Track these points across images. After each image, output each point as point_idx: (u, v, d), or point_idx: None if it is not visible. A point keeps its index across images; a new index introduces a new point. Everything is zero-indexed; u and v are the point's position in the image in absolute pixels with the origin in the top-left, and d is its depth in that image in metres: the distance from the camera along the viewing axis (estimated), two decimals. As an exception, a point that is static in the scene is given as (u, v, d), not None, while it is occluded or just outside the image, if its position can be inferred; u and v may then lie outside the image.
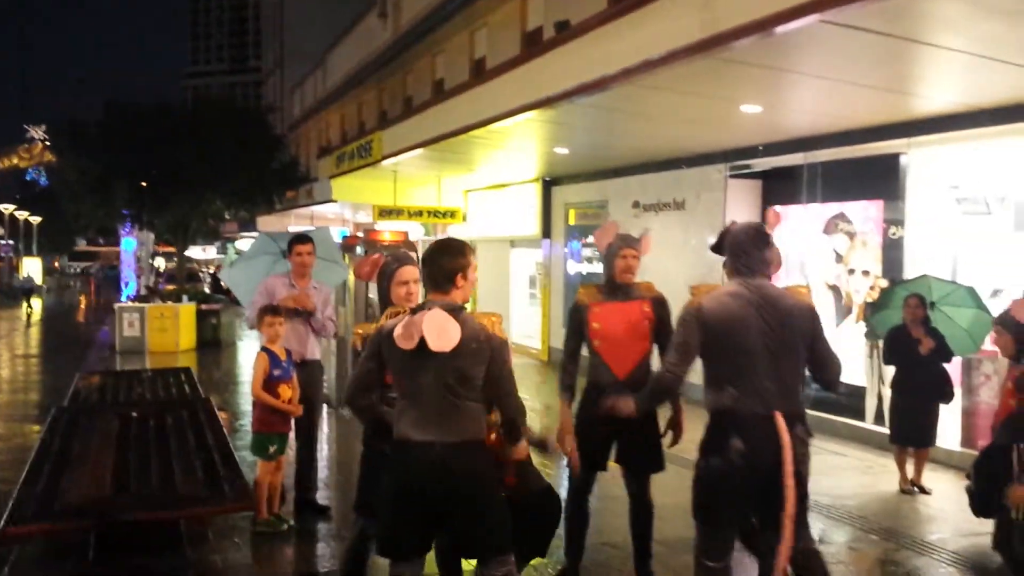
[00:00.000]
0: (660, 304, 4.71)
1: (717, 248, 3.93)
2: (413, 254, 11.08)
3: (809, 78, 7.23)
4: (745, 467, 3.52)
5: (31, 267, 45.96)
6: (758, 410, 3.55)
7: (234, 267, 7.94)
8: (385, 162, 15.10)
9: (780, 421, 3.52)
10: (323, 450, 8.16)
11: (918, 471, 7.26)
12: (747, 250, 3.79)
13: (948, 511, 6.62)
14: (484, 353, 3.34)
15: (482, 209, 17.77)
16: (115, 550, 5.33)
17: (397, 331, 3.31)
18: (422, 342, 3.23)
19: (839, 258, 9.52)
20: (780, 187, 10.65)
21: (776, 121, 9.00)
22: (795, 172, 10.04)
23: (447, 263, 3.42)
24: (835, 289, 9.56)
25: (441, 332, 3.25)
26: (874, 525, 6.04)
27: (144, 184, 19.28)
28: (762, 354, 3.58)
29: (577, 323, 4.71)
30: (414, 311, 3.44)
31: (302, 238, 6.25)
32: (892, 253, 8.99)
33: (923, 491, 7.17)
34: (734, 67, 6.85)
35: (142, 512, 4.86)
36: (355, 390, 3.60)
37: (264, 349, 5.73)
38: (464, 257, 3.45)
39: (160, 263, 35.56)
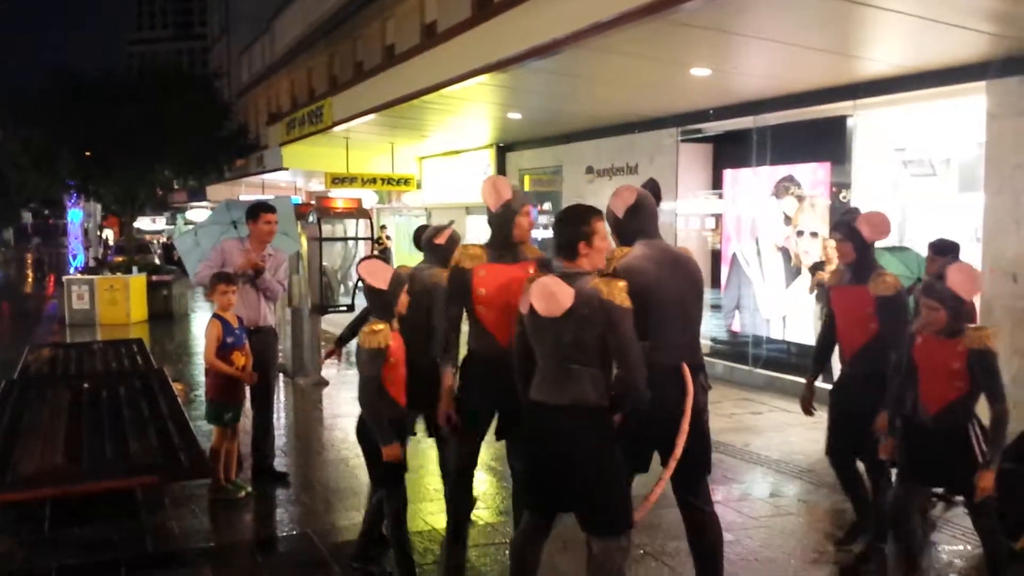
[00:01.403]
0: (545, 266, 4.32)
1: (632, 212, 3.84)
2: (364, 222, 10.98)
3: (757, 41, 7.30)
4: (651, 415, 3.63)
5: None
6: (669, 362, 3.67)
7: (185, 235, 7.87)
8: (336, 128, 14.94)
9: (686, 371, 3.69)
10: (280, 418, 8.16)
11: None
12: (654, 213, 3.94)
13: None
14: (597, 319, 3.34)
15: (436, 176, 17.71)
16: (71, 519, 5.32)
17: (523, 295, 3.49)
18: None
19: (788, 220, 9.68)
20: (731, 150, 10.77)
21: (726, 85, 9.08)
22: (745, 136, 10.15)
23: (567, 231, 3.51)
24: (784, 251, 9.72)
25: (549, 297, 3.32)
26: (824, 479, 6.22)
27: (88, 154, 18.83)
28: (673, 310, 3.70)
29: (460, 288, 4.26)
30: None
31: (268, 206, 6.21)
32: (844, 211, 9.16)
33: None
34: (683, 30, 6.89)
35: (96, 481, 4.85)
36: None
37: (216, 316, 5.71)
38: (586, 224, 3.49)
39: (109, 235, 34.90)
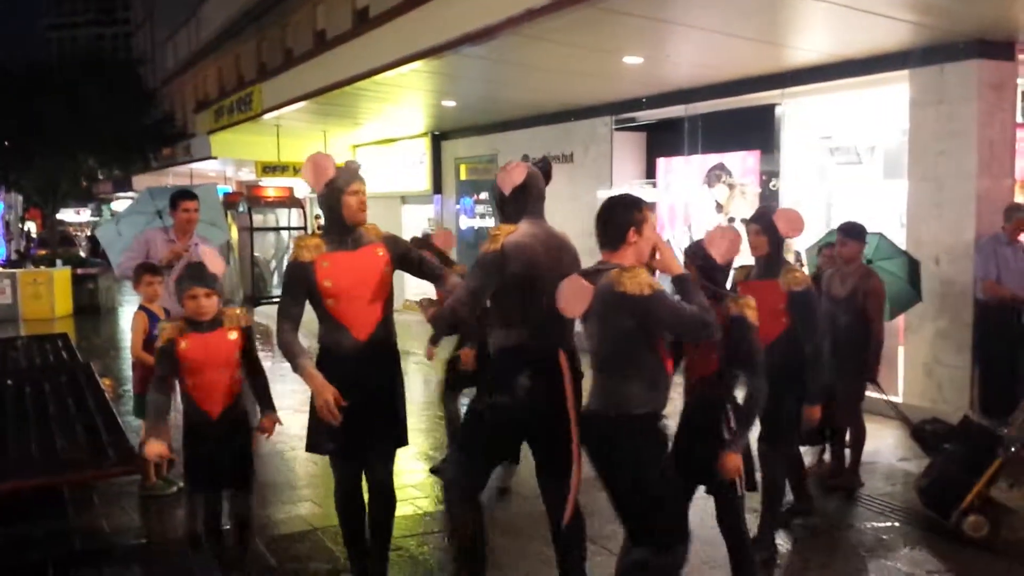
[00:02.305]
0: (393, 242, 4.11)
1: (519, 191, 3.73)
2: (297, 211, 10.85)
3: (687, 29, 7.38)
4: (527, 404, 3.56)
5: None
6: (544, 347, 3.59)
7: (106, 225, 7.65)
8: (266, 116, 14.66)
9: (563, 357, 3.57)
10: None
11: None
12: (542, 194, 3.82)
13: (882, 456, 6.78)
14: (625, 320, 3.21)
15: (371, 165, 17.47)
16: (-6, 521, 5.15)
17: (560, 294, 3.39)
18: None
19: (719, 208, 9.83)
20: (664, 139, 10.89)
21: (658, 73, 9.16)
22: (677, 124, 10.28)
23: (618, 217, 3.38)
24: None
25: (569, 298, 3.27)
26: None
27: (6, 142, 18.17)
28: (551, 292, 3.43)
29: (301, 284, 3.86)
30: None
31: (187, 194, 6.10)
32: (769, 203, 9.35)
33: None
34: (615, 17, 6.92)
35: (21, 478, 4.68)
36: None
37: (143, 308, 5.57)
38: (639, 211, 3.35)
39: (31, 227, 33.76)
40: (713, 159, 9.86)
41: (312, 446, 4.04)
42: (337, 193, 3.88)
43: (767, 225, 4.62)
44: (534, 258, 3.60)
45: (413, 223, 17.40)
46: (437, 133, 15.36)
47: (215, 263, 4.06)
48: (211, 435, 4.05)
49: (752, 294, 4.42)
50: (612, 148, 11.24)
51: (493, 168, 13.91)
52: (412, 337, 13.03)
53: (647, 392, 3.27)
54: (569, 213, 11.55)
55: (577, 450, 3.45)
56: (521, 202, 3.76)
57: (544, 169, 3.90)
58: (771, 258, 4.65)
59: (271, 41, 22.39)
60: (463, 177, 15.18)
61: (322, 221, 3.95)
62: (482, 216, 14.66)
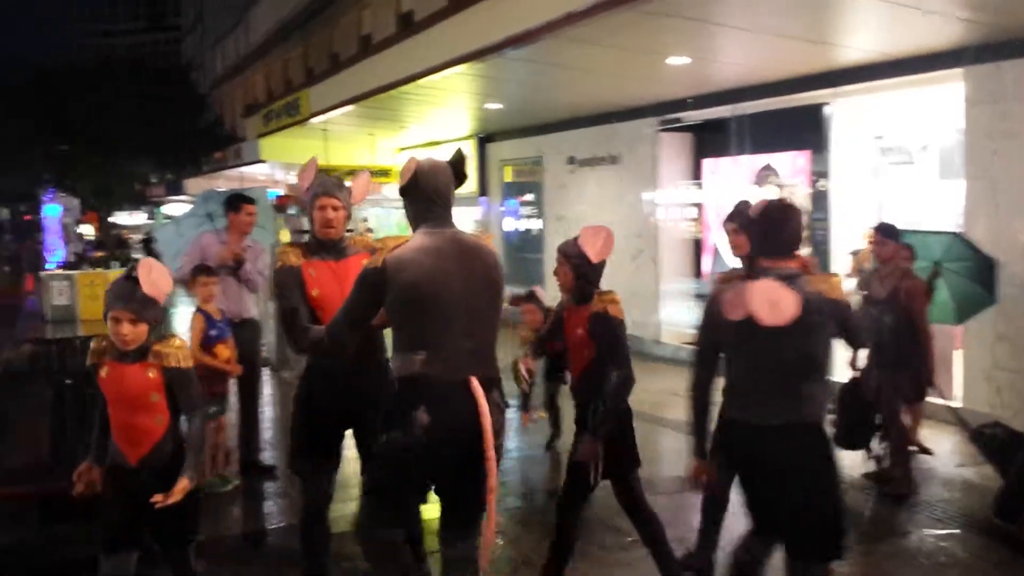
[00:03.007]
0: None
1: (408, 191, 3.25)
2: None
3: (733, 29, 7.33)
4: (430, 441, 3.02)
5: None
6: (450, 376, 3.05)
7: (166, 227, 7.85)
8: (314, 120, 14.87)
9: (476, 386, 3.06)
10: (266, 411, 8.14)
11: (914, 428, 6.64)
12: (441, 194, 3.22)
13: (940, 463, 6.62)
14: (826, 326, 3.04)
15: (416, 167, 17.62)
16: (58, 517, 5.28)
17: (725, 300, 3.09)
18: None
19: (768, 209, 9.72)
20: (710, 140, 10.81)
21: (703, 73, 9.11)
22: (724, 125, 10.20)
23: (791, 226, 3.16)
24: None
25: (773, 305, 2.93)
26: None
27: (64, 148, 18.66)
28: (458, 312, 3.07)
29: (296, 286, 3.70)
30: (747, 279, 3.13)
31: (246, 198, 6.18)
32: (820, 203, 9.24)
33: (924, 451, 6.70)
34: (658, 19, 6.90)
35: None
36: None
37: (199, 310, 5.69)
38: (801, 223, 3.21)
39: (87, 230, 34.53)
40: (761, 159, 9.77)
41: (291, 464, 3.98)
42: (309, 204, 3.81)
43: (746, 222, 4.10)
44: (425, 274, 3.04)
45: (459, 225, 17.47)
46: (482, 135, 15.42)
47: (159, 280, 3.36)
48: (127, 483, 3.40)
49: None
50: (658, 149, 11.18)
51: (538, 170, 13.93)
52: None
53: (822, 404, 3.15)
54: (614, 215, 11.56)
55: (492, 495, 3.05)
56: (418, 205, 3.22)
57: (455, 164, 3.34)
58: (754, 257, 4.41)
59: (318, 46, 22.64)
60: (508, 179, 15.22)
61: (369, 224, 3.95)
62: (528, 218, 14.68)
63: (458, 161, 3.33)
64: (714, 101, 10.07)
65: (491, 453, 3.02)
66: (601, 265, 3.92)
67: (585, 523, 5.21)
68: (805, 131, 9.29)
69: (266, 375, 9.83)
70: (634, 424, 4.06)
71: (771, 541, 3.31)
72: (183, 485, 3.33)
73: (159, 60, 27.10)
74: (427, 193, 3.20)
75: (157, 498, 3.27)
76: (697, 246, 11.16)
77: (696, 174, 11.06)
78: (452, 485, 3.18)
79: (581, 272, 3.87)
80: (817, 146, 9.19)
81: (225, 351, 5.69)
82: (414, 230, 3.23)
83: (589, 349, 3.86)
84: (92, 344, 3.48)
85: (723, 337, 3.23)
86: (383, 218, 19.12)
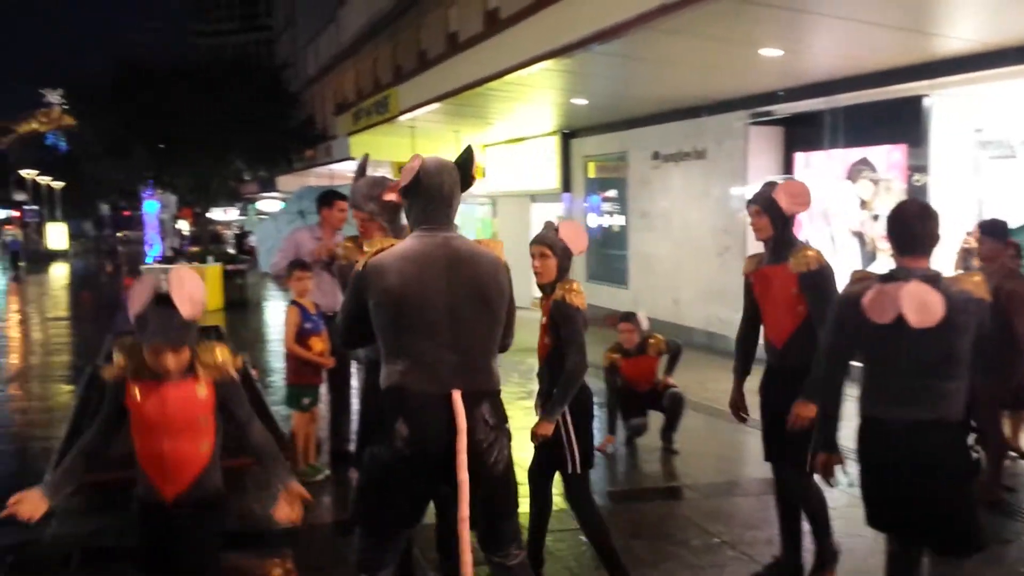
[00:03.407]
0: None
1: (408, 190, 3.08)
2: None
3: (829, 19, 7.17)
4: (413, 457, 2.88)
5: (55, 232, 46.47)
6: (431, 388, 2.90)
7: (266, 223, 8.13)
8: (402, 118, 15.09)
9: (457, 400, 2.87)
10: (355, 403, 8.31)
11: (1015, 433, 6.45)
12: (445, 194, 3.06)
13: None
14: (971, 325, 3.02)
15: (501, 164, 17.74)
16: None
17: (867, 301, 3.05)
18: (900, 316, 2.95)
19: (863, 204, 9.48)
20: (803, 133, 10.57)
21: (797, 65, 8.92)
22: (817, 117, 9.97)
23: (933, 228, 3.15)
24: (859, 235, 9.53)
25: (923, 307, 2.92)
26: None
27: (162, 145, 19.38)
28: (438, 321, 2.92)
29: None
30: (885, 279, 3.08)
31: (339, 194, 6.30)
32: (915, 198, 8.94)
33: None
34: (753, 8, 6.80)
35: (184, 464, 4.98)
36: None
37: (294, 303, 5.85)
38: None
39: (183, 225, 35.86)
40: (856, 153, 9.51)
41: None
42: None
43: (767, 203, 4.07)
44: (405, 281, 2.90)
45: (543, 221, 17.50)
46: (567, 131, 15.41)
47: (195, 294, 2.94)
48: (163, 525, 2.98)
49: (763, 283, 4.19)
50: (747, 143, 10.99)
51: (622, 166, 13.85)
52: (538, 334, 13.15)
53: (963, 403, 3.13)
54: (700, 210, 11.42)
55: (464, 524, 2.86)
56: (417, 207, 3.06)
57: (463, 163, 3.16)
58: (778, 239, 4.09)
59: (406, 44, 22.97)
60: (591, 175, 15.17)
61: None
62: (610, 214, 14.61)
63: (465, 161, 3.16)
64: (807, 93, 9.85)
65: (463, 475, 2.81)
66: (570, 256, 4.16)
67: (674, 523, 5.20)
68: (902, 124, 9.01)
69: (356, 368, 10.05)
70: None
71: (909, 543, 3.29)
72: (296, 490, 3.06)
73: (254, 60, 27.88)
74: (428, 194, 3.03)
75: (286, 511, 3.02)
76: (787, 242, 10.92)
77: (787, 168, 10.83)
78: (445, 508, 3.09)
79: (564, 265, 4.06)
80: (914, 140, 8.90)
81: (319, 344, 5.83)
82: (412, 231, 3.08)
83: (549, 337, 4.06)
84: (116, 356, 2.97)
85: (859, 336, 3.20)
86: (465, 215, 19.31)
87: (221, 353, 3.00)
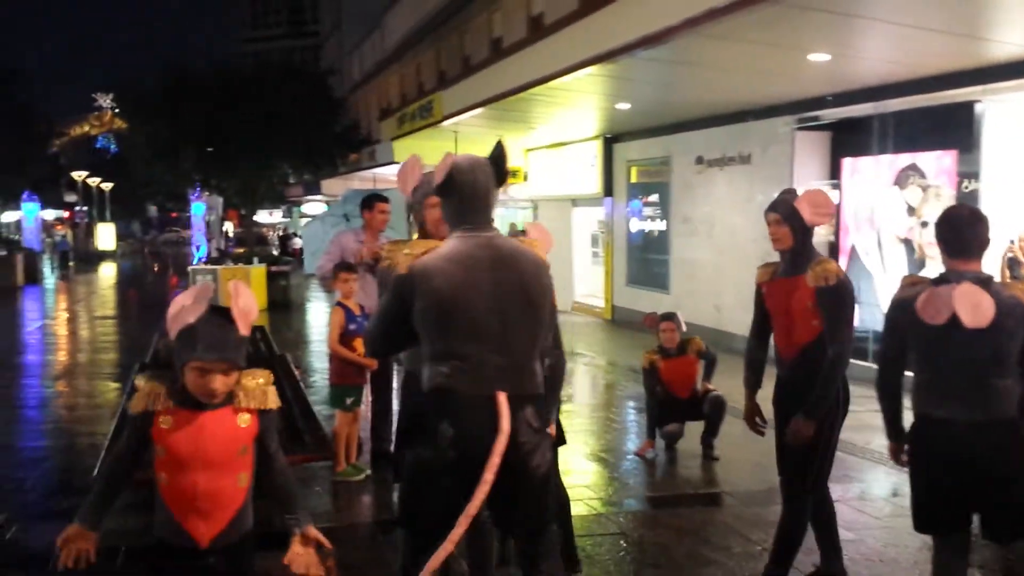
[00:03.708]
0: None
1: (442, 190, 3.03)
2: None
3: (879, 23, 7.07)
4: (458, 459, 2.84)
5: (105, 233, 47.43)
6: (476, 390, 2.86)
7: (312, 225, 8.22)
8: (445, 122, 15.17)
9: (502, 401, 2.84)
10: (396, 404, 8.37)
11: None
12: (480, 191, 2.99)
13: None
14: (1018, 331, 3.09)
15: (543, 168, 17.77)
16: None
17: (920, 303, 3.11)
18: (952, 317, 3.03)
19: (911, 210, 9.32)
20: (850, 139, 10.43)
21: (845, 70, 8.81)
22: (865, 123, 9.83)
23: (983, 231, 3.22)
24: (907, 242, 9.37)
25: (975, 308, 3.00)
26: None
27: (210, 149, 19.70)
28: (488, 324, 2.89)
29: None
30: (937, 282, 3.16)
31: (381, 196, 6.39)
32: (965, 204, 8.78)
33: None
34: (802, 13, 6.74)
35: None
36: None
37: (339, 304, 5.90)
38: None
39: (229, 227, 36.43)
40: (905, 159, 9.36)
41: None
42: (419, 204, 3.55)
43: (789, 212, 3.92)
44: (453, 283, 2.86)
45: (584, 226, 17.50)
46: (609, 136, 15.38)
47: (250, 309, 2.63)
48: (194, 572, 2.66)
49: (777, 295, 4.06)
50: (793, 148, 10.87)
51: (665, 170, 13.79)
52: (580, 338, 13.14)
53: (1015, 400, 3.21)
54: (744, 215, 11.31)
55: (466, 520, 2.76)
56: (453, 207, 3.01)
57: (495, 159, 3.08)
58: (797, 251, 3.95)
59: (450, 50, 23.12)
60: (633, 179, 15.13)
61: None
62: (651, 219, 14.54)
63: (498, 157, 3.06)
64: (855, 98, 9.72)
65: (489, 476, 2.74)
66: None
67: (714, 529, 5.16)
68: (953, 130, 8.85)
69: (396, 369, 10.12)
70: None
71: (957, 544, 3.33)
72: (312, 535, 2.72)
73: (301, 66, 28.29)
74: (464, 193, 2.98)
75: (298, 554, 2.68)
76: (833, 249, 10.78)
77: (834, 174, 10.69)
78: (497, 508, 2.98)
79: None
80: (965, 146, 8.73)
81: (362, 345, 5.88)
82: (450, 232, 3.03)
83: None
84: (141, 386, 2.62)
85: (911, 340, 3.29)
86: (507, 218, 19.37)
87: (265, 379, 2.71)
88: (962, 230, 3.21)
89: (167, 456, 2.57)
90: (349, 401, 5.94)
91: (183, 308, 2.53)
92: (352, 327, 5.85)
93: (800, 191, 4.04)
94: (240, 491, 2.65)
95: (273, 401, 2.69)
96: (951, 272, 3.17)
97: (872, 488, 6.04)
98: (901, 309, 3.28)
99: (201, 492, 2.58)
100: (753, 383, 4.31)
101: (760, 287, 4.21)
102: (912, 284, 3.32)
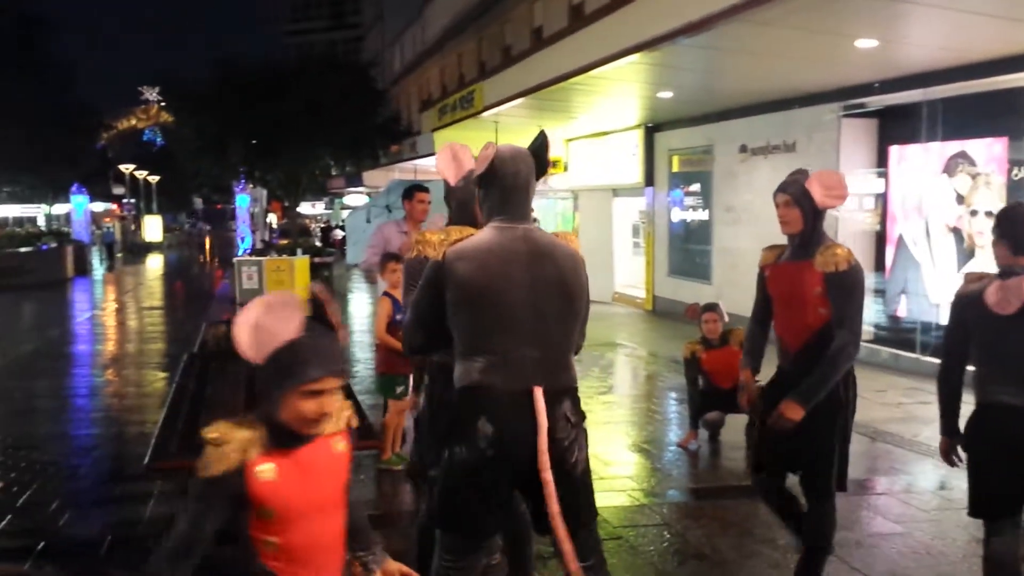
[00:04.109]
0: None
1: (483, 179, 2.97)
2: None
3: (929, 8, 6.93)
4: (497, 457, 2.78)
5: (152, 225, 48.28)
6: (512, 385, 2.81)
7: (356, 215, 8.29)
8: (486, 113, 15.17)
9: (539, 397, 2.79)
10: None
11: None
12: (521, 183, 2.96)
13: None
14: None
15: (583, 158, 17.69)
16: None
17: (991, 296, 3.24)
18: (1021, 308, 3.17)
19: (960, 199, 9.14)
20: (897, 126, 10.24)
21: (893, 56, 8.65)
22: (913, 109, 9.65)
23: None
24: (956, 231, 9.19)
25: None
26: None
27: (255, 141, 19.94)
28: (524, 317, 2.83)
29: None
30: (1003, 275, 3.28)
31: (421, 187, 6.40)
32: (1018, 194, 8.58)
33: None
34: (850, -1, 6.62)
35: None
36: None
37: (386, 294, 5.95)
38: None
39: (272, 219, 36.89)
40: (954, 147, 9.17)
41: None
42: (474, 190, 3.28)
43: (799, 194, 3.71)
44: (487, 274, 2.80)
45: (624, 216, 17.41)
46: (650, 125, 15.26)
47: (337, 312, 2.31)
48: None
49: (782, 280, 3.86)
50: (839, 136, 10.70)
51: (708, 159, 13.66)
52: (621, 329, 13.10)
53: None
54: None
55: (556, 520, 2.74)
56: (493, 197, 2.96)
57: (537, 150, 3.05)
58: (806, 235, 3.73)
59: (490, 40, 23.11)
60: (675, 169, 15.00)
61: (535, 214, 3.68)
62: (692, 208, 14.42)
63: (539, 147, 3.03)
64: (903, 85, 9.54)
65: (547, 475, 2.71)
66: None
67: (759, 521, 5.12)
68: (1003, 116, 8.65)
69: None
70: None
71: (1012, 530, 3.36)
72: (396, 568, 2.40)
73: (343, 59, 28.54)
74: (504, 183, 2.93)
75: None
76: (879, 239, 10.62)
77: (880, 162, 10.52)
78: (532, 505, 2.90)
79: None
80: (1016, 132, 8.53)
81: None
82: (487, 222, 2.97)
83: None
84: (228, 436, 2.02)
85: (977, 331, 3.36)
86: (547, 209, 19.36)
87: (339, 392, 2.19)
88: (1013, 222, 3.33)
89: (277, 516, 2.06)
90: (399, 389, 5.98)
91: (264, 326, 2.05)
92: (399, 317, 5.89)
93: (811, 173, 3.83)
94: (342, 534, 2.24)
95: (353, 416, 2.29)
96: (1016, 266, 3.28)
97: (919, 481, 5.95)
98: (968, 303, 3.36)
99: (324, 545, 2.16)
100: (752, 366, 4.13)
101: (763, 270, 4.01)
102: (976, 280, 3.39)
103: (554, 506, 2.73)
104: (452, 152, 3.28)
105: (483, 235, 2.90)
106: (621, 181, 16.31)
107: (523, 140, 3.14)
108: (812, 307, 3.68)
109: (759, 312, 4.11)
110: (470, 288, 2.80)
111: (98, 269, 29.92)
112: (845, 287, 3.62)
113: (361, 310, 16.09)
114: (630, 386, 9.68)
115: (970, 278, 3.45)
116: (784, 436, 3.67)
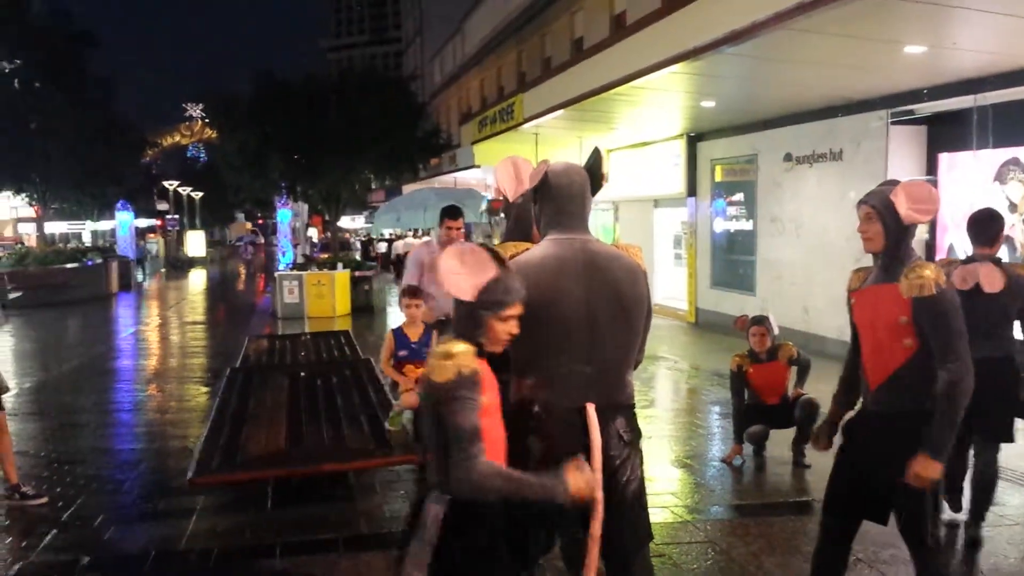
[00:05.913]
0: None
1: (538, 192, 2.99)
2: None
3: (978, 13, 6.74)
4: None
5: (195, 240, 48.98)
6: (563, 402, 2.78)
7: (389, 210, 8.23)
8: (526, 125, 15.14)
9: (591, 414, 2.75)
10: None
11: None
12: (576, 194, 2.95)
13: None
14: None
15: (624, 168, 17.57)
16: (290, 500, 5.66)
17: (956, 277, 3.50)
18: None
19: (1013, 207, 8.89)
20: (947, 133, 10.01)
21: (942, 62, 8.45)
22: (964, 116, 9.42)
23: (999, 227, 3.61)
24: (1009, 240, 8.94)
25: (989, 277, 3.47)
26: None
27: (296, 156, 20.14)
28: (578, 332, 2.79)
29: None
30: (965, 262, 3.56)
31: (454, 212, 6.18)
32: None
33: None
34: (898, 5, 6.47)
35: (317, 464, 5.13)
36: None
37: (394, 331, 5.87)
38: None
39: (313, 233, 37.21)
40: (1005, 153, 8.94)
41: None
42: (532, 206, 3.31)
43: (882, 206, 3.29)
44: (542, 289, 2.76)
45: (666, 227, 17.26)
46: (693, 134, 15.11)
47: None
48: None
49: (865, 306, 3.44)
50: (887, 144, 10.49)
51: (752, 168, 13.48)
52: (662, 341, 12.94)
53: None
54: (839, 214, 10.95)
55: (595, 544, 2.68)
56: (548, 211, 2.96)
57: (591, 166, 3.05)
58: (889, 253, 3.32)
59: (530, 51, 23.12)
60: (718, 179, 14.83)
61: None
62: (736, 218, 14.23)
63: (594, 164, 3.04)
64: (953, 91, 9.32)
65: (598, 494, 2.64)
66: None
67: (806, 538, 4.97)
68: (1059, 122, 8.41)
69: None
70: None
71: None
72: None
73: (383, 73, 28.80)
74: (558, 195, 2.94)
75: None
76: (929, 248, 10.37)
77: (930, 170, 10.28)
78: (582, 526, 2.76)
79: None
80: (1072, 138, 8.29)
81: (414, 371, 5.78)
82: (542, 237, 2.97)
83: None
84: (454, 350, 2.48)
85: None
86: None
87: None
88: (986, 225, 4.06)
89: (483, 409, 2.47)
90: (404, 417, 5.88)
91: (463, 270, 2.51)
92: (402, 354, 5.80)
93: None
94: None
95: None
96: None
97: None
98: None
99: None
100: (843, 401, 3.74)
101: (849, 296, 3.59)
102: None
103: (597, 528, 2.67)
104: (513, 166, 3.18)
105: (537, 250, 2.90)
106: (663, 192, 16.16)
107: (563, 151, 3.10)
108: (897, 338, 3.26)
109: (853, 341, 3.64)
110: (526, 302, 2.72)
111: (144, 283, 30.41)
112: (936, 315, 3.15)
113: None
114: (672, 400, 9.54)
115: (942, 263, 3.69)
116: (868, 472, 3.32)
